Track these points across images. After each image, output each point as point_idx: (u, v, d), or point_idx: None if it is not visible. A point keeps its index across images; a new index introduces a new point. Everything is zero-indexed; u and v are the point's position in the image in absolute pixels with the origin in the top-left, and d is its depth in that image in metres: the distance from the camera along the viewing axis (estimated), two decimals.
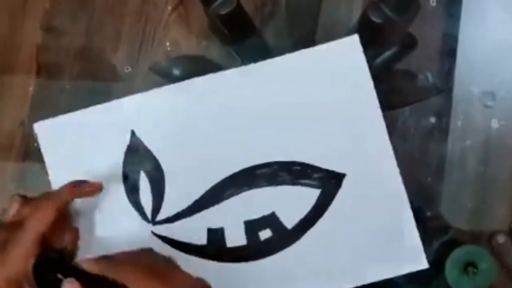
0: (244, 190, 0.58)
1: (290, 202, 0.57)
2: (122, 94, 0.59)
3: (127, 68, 0.64)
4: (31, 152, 0.65)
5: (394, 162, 0.57)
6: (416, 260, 0.56)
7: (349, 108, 0.58)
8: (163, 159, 0.59)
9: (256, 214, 0.58)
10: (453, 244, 0.58)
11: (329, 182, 0.57)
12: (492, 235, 0.61)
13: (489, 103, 0.61)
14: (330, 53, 0.58)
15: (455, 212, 0.61)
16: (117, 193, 0.59)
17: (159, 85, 0.59)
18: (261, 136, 0.58)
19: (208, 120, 0.58)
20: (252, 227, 0.57)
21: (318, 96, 0.58)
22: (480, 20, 0.62)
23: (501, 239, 0.60)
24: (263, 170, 0.58)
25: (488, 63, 0.62)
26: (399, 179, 0.57)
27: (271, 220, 0.57)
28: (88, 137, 0.59)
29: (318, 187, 0.57)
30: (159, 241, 0.58)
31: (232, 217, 0.57)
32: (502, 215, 0.61)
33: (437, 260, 0.58)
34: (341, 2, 0.64)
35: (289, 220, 0.57)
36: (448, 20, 0.63)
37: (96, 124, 0.59)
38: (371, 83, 0.57)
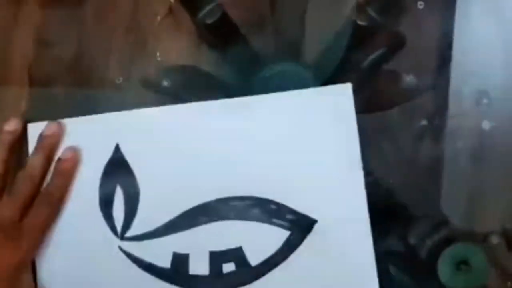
0: (215, 220, 0.58)
1: (259, 239, 0.57)
2: (114, 104, 0.60)
3: (119, 79, 0.64)
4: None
5: (367, 222, 0.56)
6: None
7: (331, 156, 0.58)
8: (141, 178, 0.59)
9: (223, 246, 0.58)
10: (446, 242, 0.57)
11: (300, 226, 0.57)
12: (486, 236, 0.60)
13: (481, 103, 0.60)
14: (319, 97, 0.58)
15: (448, 213, 0.60)
16: (92, 202, 0.59)
17: (151, 95, 0.59)
18: (240, 169, 0.58)
19: (191, 147, 0.59)
20: (216, 258, 0.57)
21: (301, 139, 0.58)
22: (473, 20, 0.61)
23: (495, 240, 0.59)
24: (237, 203, 0.58)
25: (481, 64, 0.61)
26: (369, 241, 0.56)
27: (236, 254, 0.57)
28: (74, 143, 0.60)
29: (288, 229, 0.57)
30: (125, 257, 0.59)
31: (198, 245, 0.58)
32: (495, 216, 0.60)
33: (430, 258, 0.57)
34: (327, 6, 0.63)
35: (255, 257, 0.57)
36: (440, 20, 0.62)
37: (83, 132, 0.60)
38: (356, 135, 0.57)
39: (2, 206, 0.57)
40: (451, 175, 0.60)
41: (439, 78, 0.61)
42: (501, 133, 0.60)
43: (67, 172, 0.59)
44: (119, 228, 0.59)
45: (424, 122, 0.60)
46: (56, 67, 0.66)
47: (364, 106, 0.58)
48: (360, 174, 0.57)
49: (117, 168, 0.59)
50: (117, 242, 0.59)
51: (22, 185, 0.57)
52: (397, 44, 0.61)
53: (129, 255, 0.59)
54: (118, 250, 0.59)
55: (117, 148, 0.60)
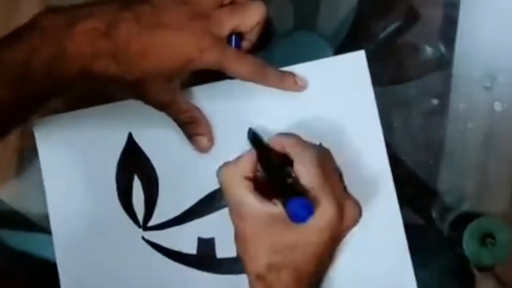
0: None
1: None
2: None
3: None
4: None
5: (392, 185, 0.56)
6: None
7: (350, 125, 0.57)
8: (158, 165, 0.58)
9: None
10: (469, 216, 0.57)
11: None
12: None
13: (492, 85, 0.59)
14: (334, 66, 0.57)
15: (458, 196, 0.59)
16: (110, 195, 0.58)
17: None
18: None
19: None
20: None
21: (320, 109, 0.57)
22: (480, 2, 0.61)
23: None
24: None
25: (491, 44, 0.60)
26: (395, 200, 0.56)
27: None
28: (85, 137, 0.59)
29: None
30: (149, 247, 0.58)
31: (223, 228, 0.56)
32: (504, 198, 0.59)
33: (453, 233, 0.57)
34: None
35: None
36: None
37: (94, 124, 0.59)
38: (374, 102, 0.57)
39: None
40: (460, 156, 0.59)
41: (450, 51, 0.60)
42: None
43: None
44: (140, 218, 0.58)
45: (435, 102, 0.59)
46: None
47: (383, 78, 0.57)
48: (382, 143, 0.56)
49: (133, 157, 0.58)
50: (140, 232, 0.58)
51: None
52: (412, 18, 0.60)
53: (153, 245, 0.58)
54: (141, 240, 0.58)
55: (130, 137, 0.58)
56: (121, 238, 0.58)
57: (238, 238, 0.50)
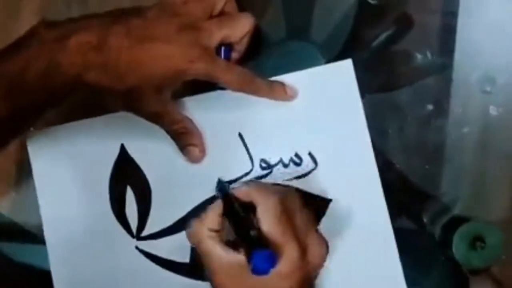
0: None
1: None
2: None
3: None
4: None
5: (380, 191, 0.57)
6: None
7: (340, 134, 0.57)
8: (151, 176, 0.59)
9: None
10: (459, 220, 0.58)
11: (315, 207, 0.57)
12: None
13: (488, 89, 0.60)
14: (323, 75, 0.58)
15: (453, 199, 0.60)
16: (103, 206, 0.59)
17: None
18: (248, 156, 0.58)
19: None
20: None
21: (309, 118, 0.58)
22: (479, 3, 0.61)
23: None
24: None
25: (487, 49, 0.61)
26: (384, 207, 0.57)
27: None
28: (78, 149, 0.59)
29: None
30: (143, 257, 0.58)
31: None
32: (500, 202, 0.60)
33: (444, 237, 0.58)
34: None
35: None
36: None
37: (87, 136, 0.59)
38: (361, 111, 0.57)
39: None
40: (456, 160, 0.60)
41: (446, 59, 0.61)
42: (508, 119, 0.60)
43: None
44: (134, 228, 0.59)
45: (430, 107, 0.60)
46: None
47: (376, 86, 0.58)
48: (370, 150, 0.57)
49: (125, 168, 0.59)
50: (133, 242, 0.59)
51: None
52: (405, 25, 0.61)
53: (146, 254, 0.58)
54: (135, 250, 0.59)
55: (122, 148, 0.59)
56: (115, 248, 0.59)
57: None
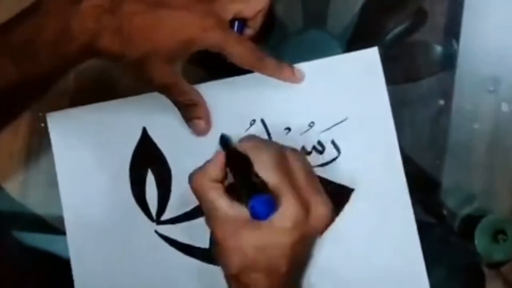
0: None
1: None
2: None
3: None
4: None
5: (405, 188, 0.56)
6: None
7: (362, 122, 0.57)
8: (172, 160, 0.59)
9: None
10: (479, 214, 0.58)
11: (337, 196, 0.56)
12: None
13: (499, 86, 0.59)
14: (347, 63, 0.58)
15: (464, 194, 0.60)
16: (123, 189, 0.59)
17: None
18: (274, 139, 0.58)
19: (220, 124, 0.58)
20: None
21: (332, 106, 0.57)
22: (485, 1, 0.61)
23: None
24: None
25: (497, 45, 0.60)
26: (407, 198, 0.56)
27: None
28: (99, 131, 0.59)
29: None
30: (162, 241, 0.58)
31: None
32: (509, 198, 0.59)
33: (464, 229, 0.58)
34: None
35: None
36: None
37: (108, 118, 0.59)
38: (387, 100, 0.57)
39: None
40: (467, 156, 0.59)
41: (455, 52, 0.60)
42: None
43: None
44: (154, 213, 0.58)
45: (441, 102, 0.60)
46: None
47: (391, 78, 0.57)
48: (395, 139, 0.56)
49: (147, 152, 0.59)
50: (153, 226, 0.58)
51: None
52: (420, 17, 0.60)
53: (166, 239, 0.58)
54: (154, 234, 0.58)
55: (144, 131, 0.59)
56: (135, 232, 0.58)
57: (213, 241, 0.51)
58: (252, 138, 0.54)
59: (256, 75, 0.57)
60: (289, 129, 0.58)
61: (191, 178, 0.51)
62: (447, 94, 0.60)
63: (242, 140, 0.53)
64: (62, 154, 0.59)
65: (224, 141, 0.55)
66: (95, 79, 0.61)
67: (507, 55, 0.60)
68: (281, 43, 0.61)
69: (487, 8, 0.60)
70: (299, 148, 0.57)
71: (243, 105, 0.58)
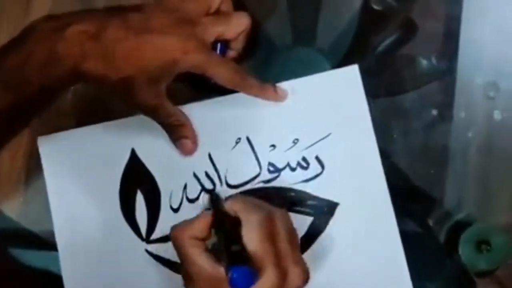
0: None
1: None
2: None
3: None
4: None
5: (389, 202, 0.57)
6: None
7: (345, 137, 0.58)
8: (160, 179, 0.60)
9: None
10: (464, 223, 0.58)
11: (322, 211, 0.58)
12: None
13: (492, 94, 0.60)
14: (329, 81, 0.59)
15: (458, 203, 0.60)
16: (113, 209, 0.60)
17: None
18: (256, 160, 0.59)
19: (207, 143, 0.59)
20: None
21: (316, 123, 0.59)
22: (482, 8, 0.62)
23: None
24: (257, 194, 0.58)
25: (491, 53, 0.61)
26: (391, 210, 0.57)
27: None
28: (89, 153, 0.60)
29: (310, 215, 0.58)
30: (152, 260, 0.59)
31: None
32: (505, 206, 0.60)
33: (449, 241, 0.59)
34: None
35: None
36: (450, 5, 0.62)
37: (98, 140, 0.60)
38: (368, 115, 0.58)
39: None
40: (461, 165, 0.60)
41: (450, 64, 0.61)
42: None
43: None
44: (143, 232, 0.59)
45: (434, 112, 0.61)
46: None
47: (381, 91, 0.58)
48: (376, 154, 0.58)
49: (136, 172, 0.60)
50: (143, 245, 0.59)
51: None
52: (410, 30, 0.61)
53: (156, 257, 0.59)
54: (144, 252, 0.59)
55: (133, 152, 0.60)
56: (125, 251, 0.59)
57: None
58: (241, 198, 0.55)
59: (241, 94, 0.58)
60: (274, 146, 0.59)
61: (173, 230, 0.52)
62: (440, 104, 0.61)
63: (230, 200, 0.54)
64: (53, 176, 0.60)
65: (215, 199, 0.55)
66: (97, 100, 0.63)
67: (502, 63, 0.61)
68: (269, 59, 0.63)
69: (484, 17, 0.62)
70: (284, 164, 0.59)
71: (229, 124, 0.59)
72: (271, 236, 0.49)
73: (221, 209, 0.52)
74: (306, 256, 0.57)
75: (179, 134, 0.58)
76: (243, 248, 0.48)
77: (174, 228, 0.52)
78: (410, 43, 0.62)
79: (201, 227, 0.51)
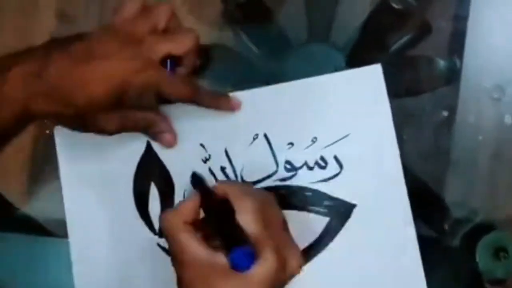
0: None
1: (298, 228, 0.56)
2: None
3: None
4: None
5: (407, 204, 0.56)
6: None
7: (365, 137, 0.57)
8: (175, 173, 0.59)
9: None
10: (481, 229, 0.58)
11: (338, 211, 0.57)
12: None
13: (500, 97, 0.60)
14: (351, 79, 0.58)
15: (466, 208, 0.60)
16: (127, 202, 0.59)
17: None
18: (273, 158, 0.58)
19: (221, 139, 0.59)
20: None
21: (335, 122, 0.58)
22: (489, 12, 0.61)
23: None
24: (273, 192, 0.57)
25: (500, 56, 0.61)
26: (409, 214, 0.56)
27: None
28: (104, 146, 0.59)
29: (327, 215, 0.57)
30: (164, 254, 0.59)
31: None
32: None
33: (466, 246, 0.58)
34: None
35: None
36: (459, 5, 0.62)
37: None
38: (390, 116, 0.57)
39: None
40: (471, 168, 0.60)
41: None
42: None
43: None
44: (156, 225, 0.59)
45: (445, 113, 0.60)
46: None
47: (394, 91, 0.58)
48: (397, 156, 0.57)
49: (150, 166, 0.59)
50: (155, 239, 0.59)
51: None
52: (424, 31, 0.61)
53: (168, 251, 0.58)
54: (156, 246, 0.59)
55: (148, 145, 0.59)
56: (137, 245, 0.59)
57: (178, 285, 0.50)
58: (233, 183, 0.54)
59: (259, 90, 0.57)
60: (291, 144, 0.58)
61: (162, 217, 0.50)
62: (451, 106, 0.60)
63: (221, 184, 0.52)
64: (67, 167, 0.60)
65: (197, 181, 0.52)
66: None
67: (511, 65, 0.61)
68: (284, 55, 0.62)
69: (491, 19, 0.61)
70: (301, 163, 0.58)
71: (246, 119, 0.58)
72: (265, 219, 0.48)
73: (209, 190, 0.50)
74: (320, 257, 0.57)
75: (153, 131, 0.58)
76: (237, 230, 0.47)
77: (163, 214, 0.50)
78: (425, 44, 0.61)
79: (190, 210, 0.49)
